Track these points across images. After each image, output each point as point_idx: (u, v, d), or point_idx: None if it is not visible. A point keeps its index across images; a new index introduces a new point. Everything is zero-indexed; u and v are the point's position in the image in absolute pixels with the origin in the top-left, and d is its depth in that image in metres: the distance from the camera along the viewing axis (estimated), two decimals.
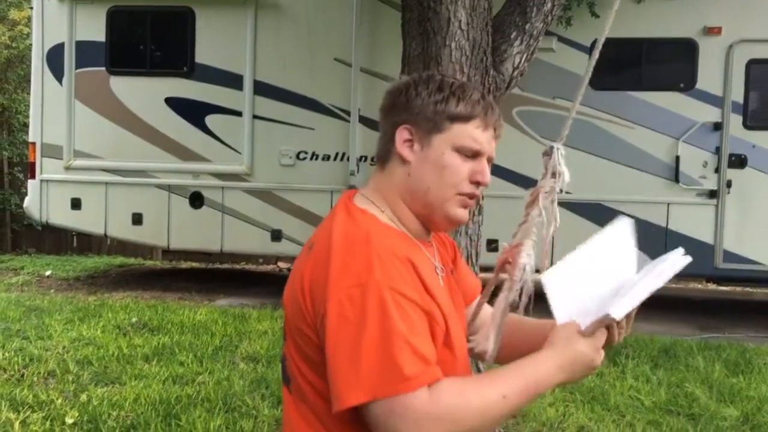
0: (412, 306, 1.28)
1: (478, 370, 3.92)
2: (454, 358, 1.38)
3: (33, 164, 8.34)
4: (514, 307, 1.43)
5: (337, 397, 1.25)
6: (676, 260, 1.48)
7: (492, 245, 7.21)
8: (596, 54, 1.56)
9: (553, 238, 1.47)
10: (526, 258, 1.42)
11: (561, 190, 1.47)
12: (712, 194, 7.23)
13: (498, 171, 7.34)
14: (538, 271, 1.44)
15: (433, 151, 1.43)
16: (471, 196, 1.45)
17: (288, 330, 1.42)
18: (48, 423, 3.92)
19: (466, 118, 1.43)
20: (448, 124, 1.42)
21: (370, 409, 1.23)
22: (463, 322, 1.55)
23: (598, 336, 1.37)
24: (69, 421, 3.93)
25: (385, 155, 1.48)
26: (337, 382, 1.25)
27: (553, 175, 1.46)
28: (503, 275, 1.46)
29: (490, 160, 1.48)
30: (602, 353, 1.38)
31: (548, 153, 1.48)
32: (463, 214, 1.46)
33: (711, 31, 7.19)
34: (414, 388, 1.22)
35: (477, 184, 1.45)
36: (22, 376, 4.70)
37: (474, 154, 1.44)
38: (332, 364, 1.26)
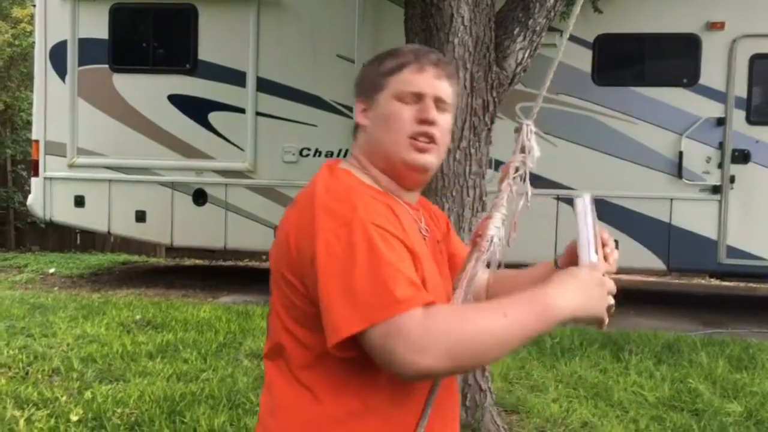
0: (396, 240, 1.33)
1: (482, 367, 3.92)
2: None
3: (36, 162, 8.35)
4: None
5: (333, 330, 1.27)
6: (581, 201, 1.52)
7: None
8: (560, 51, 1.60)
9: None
10: (494, 230, 1.46)
11: (531, 166, 1.51)
12: (716, 190, 7.22)
13: (500, 167, 7.33)
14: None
15: (379, 107, 1.50)
16: (421, 136, 1.47)
17: (274, 281, 1.46)
18: (53, 420, 3.93)
19: (398, 68, 1.49)
20: (386, 79, 1.49)
21: (368, 336, 1.26)
22: (447, 289, 1.53)
23: (597, 264, 1.44)
24: (74, 418, 3.94)
25: (354, 130, 1.57)
26: (332, 315, 1.28)
27: (523, 150, 1.50)
28: (474, 247, 1.50)
29: (440, 101, 1.49)
30: (609, 280, 1.43)
31: (518, 129, 1.53)
32: (420, 158, 1.47)
33: (714, 26, 7.18)
34: (408, 308, 1.24)
35: (423, 122, 1.46)
36: (27, 373, 4.71)
37: (415, 98, 1.47)
38: (326, 300, 1.29)
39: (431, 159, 1.49)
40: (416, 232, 1.48)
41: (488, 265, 1.48)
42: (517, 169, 1.50)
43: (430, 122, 1.47)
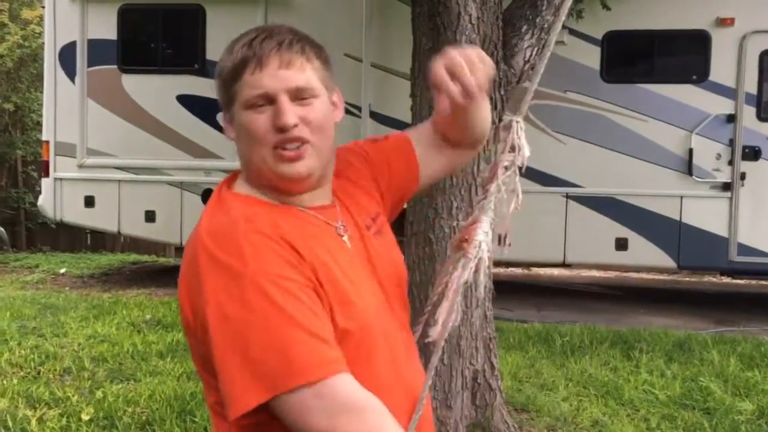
0: (298, 286, 1.18)
1: (492, 366, 3.92)
2: (349, 338, 1.24)
3: (46, 162, 8.39)
4: (468, 286, 1.33)
5: (234, 401, 1.14)
6: None
7: (504, 240, 7.21)
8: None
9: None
10: (483, 235, 1.33)
11: (521, 166, 1.38)
12: (726, 187, 7.18)
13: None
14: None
15: (236, 120, 1.30)
16: (285, 143, 1.27)
17: (186, 335, 1.32)
18: (64, 420, 3.95)
19: (237, 72, 1.27)
20: (230, 89, 1.29)
21: (277, 407, 1.14)
22: (391, 282, 1.40)
23: None
24: (85, 417, 3.96)
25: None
26: (231, 387, 1.15)
27: (513, 149, 1.38)
28: (458, 253, 1.35)
29: (298, 91, 1.27)
30: None
31: (507, 127, 1.39)
32: (292, 168, 1.27)
33: (724, 22, 7.13)
34: (315, 377, 1.13)
35: (281, 130, 1.26)
36: (39, 373, 4.73)
37: (267, 100, 1.26)
38: (223, 369, 1.16)
39: (306, 164, 1.29)
40: (329, 239, 1.31)
41: (476, 271, 1.33)
42: (506, 169, 1.37)
43: (289, 127, 1.26)
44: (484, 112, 1.49)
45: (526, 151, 1.38)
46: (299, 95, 1.28)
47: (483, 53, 1.29)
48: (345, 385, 1.16)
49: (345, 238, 1.34)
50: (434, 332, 1.31)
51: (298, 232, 1.26)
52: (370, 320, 1.29)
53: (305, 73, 1.28)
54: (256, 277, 1.16)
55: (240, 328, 1.15)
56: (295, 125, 1.26)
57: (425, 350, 1.40)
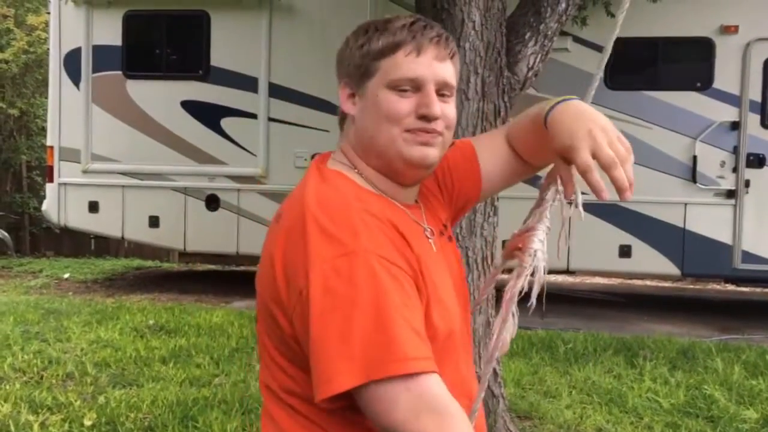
0: (404, 275, 1.15)
1: (495, 373, 3.91)
2: (436, 339, 1.20)
3: (51, 168, 8.41)
4: (523, 297, 1.28)
5: (326, 381, 1.09)
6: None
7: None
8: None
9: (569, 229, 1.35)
10: (538, 244, 1.28)
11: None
12: (730, 194, 7.17)
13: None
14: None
15: (369, 96, 1.27)
16: (423, 131, 1.26)
17: (260, 310, 1.27)
18: (66, 425, 3.95)
19: (391, 50, 1.26)
20: (376, 63, 1.26)
21: (363, 393, 1.08)
22: (460, 289, 1.39)
23: None
24: (87, 423, 3.96)
25: (340, 118, 1.36)
26: (326, 365, 1.09)
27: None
28: (512, 262, 1.32)
29: (444, 86, 1.28)
30: None
31: None
32: (422, 151, 1.26)
33: (728, 29, 7.14)
34: (413, 370, 1.08)
35: (425, 118, 1.25)
36: (41, 378, 4.73)
37: (413, 86, 1.25)
38: (318, 345, 1.10)
39: (435, 153, 1.28)
40: (421, 238, 1.29)
41: (530, 286, 1.27)
42: (563, 177, 1.30)
43: (433, 118, 1.26)
44: None
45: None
46: (443, 90, 1.28)
47: (622, 137, 1.23)
48: (436, 385, 1.11)
49: (431, 240, 1.33)
50: (491, 343, 1.28)
51: (403, 222, 1.24)
52: (455, 324, 1.28)
53: (452, 69, 1.30)
54: (367, 256, 1.12)
55: (344, 306, 1.10)
56: (437, 117, 1.26)
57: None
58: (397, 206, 1.29)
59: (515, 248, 1.31)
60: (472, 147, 1.49)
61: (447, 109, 1.28)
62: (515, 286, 1.27)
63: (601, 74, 1.41)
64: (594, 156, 1.19)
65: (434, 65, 1.27)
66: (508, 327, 1.28)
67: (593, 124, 1.22)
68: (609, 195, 1.19)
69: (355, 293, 1.10)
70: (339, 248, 1.13)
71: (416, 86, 1.26)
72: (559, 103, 1.32)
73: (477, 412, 1.28)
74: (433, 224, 1.37)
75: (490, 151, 1.49)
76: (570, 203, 1.29)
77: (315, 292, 1.11)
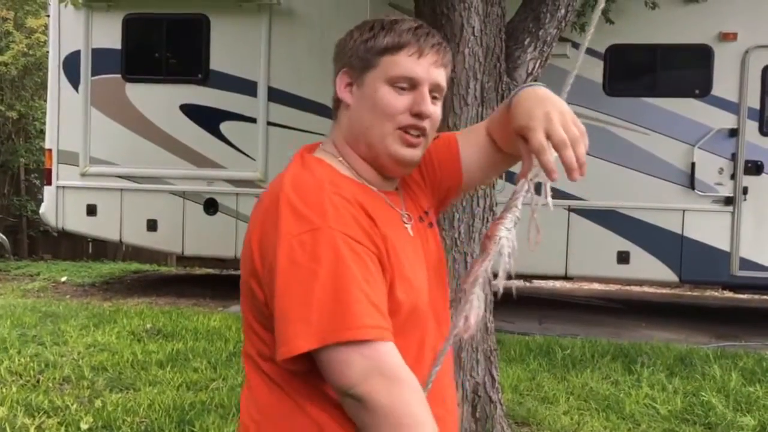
0: (366, 252, 1.24)
1: (492, 379, 3.91)
2: (399, 313, 1.30)
3: (49, 171, 8.41)
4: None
5: (284, 344, 1.20)
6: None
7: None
8: None
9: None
10: (504, 231, 1.34)
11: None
12: (728, 201, 7.18)
13: (511, 177, 7.32)
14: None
15: (368, 88, 1.37)
16: (413, 129, 1.36)
17: (242, 289, 1.37)
18: (63, 429, 3.94)
19: (395, 49, 1.36)
20: (378, 58, 1.37)
21: (321, 356, 1.19)
22: (438, 271, 1.47)
23: None
24: (84, 426, 3.95)
25: (335, 105, 1.45)
26: (285, 329, 1.21)
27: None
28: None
29: (437, 89, 1.39)
30: None
31: None
32: (408, 152, 1.37)
33: (726, 36, 7.15)
34: (366, 337, 1.18)
35: (418, 116, 1.36)
36: (38, 381, 4.72)
37: (410, 85, 1.36)
38: (281, 310, 1.22)
39: (418, 153, 1.40)
40: (396, 222, 1.39)
41: (495, 274, 1.34)
42: (534, 167, 1.36)
43: (425, 116, 1.36)
44: None
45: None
46: (435, 93, 1.39)
47: (578, 121, 1.32)
48: (390, 354, 1.21)
49: (408, 226, 1.42)
50: (459, 323, 1.35)
51: (374, 206, 1.34)
52: (421, 303, 1.36)
53: (444, 76, 1.41)
54: (331, 233, 1.22)
55: (305, 276, 1.20)
56: (429, 116, 1.37)
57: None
58: (374, 192, 1.39)
59: (486, 237, 1.38)
60: (455, 139, 1.58)
61: (435, 111, 1.39)
62: (478, 269, 1.34)
63: (575, 72, 1.46)
64: (547, 136, 1.27)
65: (431, 70, 1.37)
66: (473, 309, 1.34)
67: (551, 107, 1.31)
68: (558, 175, 1.27)
69: (317, 265, 1.20)
70: (306, 225, 1.23)
71: (413, 85, 1.36)
72: (525, 87, 1.41)
73: (430, 383, 1.34)
74: (412, 210, 1.46)
75: (471, 144, 1.57)
76: (539, 193, 1.35)
77: (281, 263, 1.22)
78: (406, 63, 1.36)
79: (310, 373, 1.25)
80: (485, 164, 1.58)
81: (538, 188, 1.35)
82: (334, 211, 1.24)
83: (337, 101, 1.44)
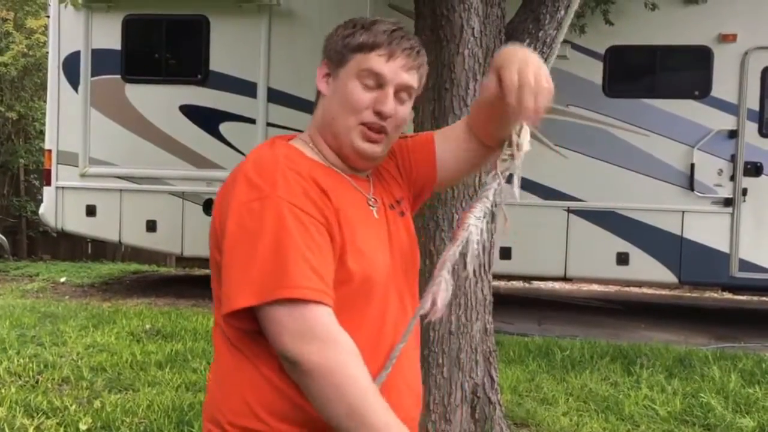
0: (312, 221, 1.31)
1: (492, 380, 3.91)
2: (350, 282, 1.36)
3: (49, 171, 8.40)
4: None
5: (227, 299, 1.29)
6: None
7: (505, 253, 7.21)
8: None
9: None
10: (474, 219, 1.42)
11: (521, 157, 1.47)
12: (728, 202, 7.18)
13: (511, 178, 7.32)
14: None
15: (340, 82, 1.45)
16: (373, 127, 1.43)
17: (211, 265, 1.46)
18: (62, 429, 3.93)
19: (368, 48, 1.43)
20: (352, 54, 1.44)
21: (261, 315, 1.27)
22: (406, 256, 1.53)
23: None
24: (83, 427, 3.95)
25: (316, 95, 1.53)
26: (228, 286, 1.30)
27: (510, 145, 1.47)
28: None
29: (405, 90, 1.45)
30: None
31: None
32: (367, 147, 1.44)
33: (726, 38, 7.15)
34: (299, 296, 1.25)
35: (379, 114, 1.42)
36: (37, 382, 4.72)
37: (376, 83, 1.43)
38: (226, 270, 1.31)
39: (379, 149, 1.46)
40: (360, 203, 1.46)
41: (465, 261, 1.42)
42: (504, 161, 1.47)
43: (386, 116, 1.43)
44: None
45: (526, 146, 1.47)
46: (401, 93, 1.45)
47: (550, 80, 1.37)
48: (324, 316, 1.27)
49: (374, 209, 1.49)
50: (425, 304, 1.39)
51: (332, 184, 1.40)
52: (376, 275, 1.41)
53: (413, 79, 1.47)
54: (278, 201, 1.30)
55: (250, 239, 1.29)
56: (389, 116, 1.43)
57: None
58: (340, 175, 1.46)
59: (457, 227, 1.46)
60: (432, 136, 1.66)
61: (400, 110, 1.46)
62: (447, 255, 1.40)
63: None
64: (518, 75, 1.33)
65: (399, 72, 1.44)
66: (440, 292, 1.39)
67: (530, 58, 1.36)
68: (535, 117, 1.36)
69: (261, 229, 1.29)
70: (256, 193, 1.32)
71: (379, 83, 1.43)
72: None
73: (394, 359, 1.40)
74: (381, 196, 1.53)
75: (449, 140, 1.64)
76: (509, 182, 1.44)
77: (230, 228, 1.32)
78: (375, 62, 1.42)
79: (260, 334, 1.31)
80: (462, 158, 1.63)
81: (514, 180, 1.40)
82: (284, 182, 1.32)
83: (318, 93, 1.52)
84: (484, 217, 1.43)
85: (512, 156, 1.46)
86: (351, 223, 1.38)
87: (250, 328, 1.31)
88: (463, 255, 1.41)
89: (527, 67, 1.33)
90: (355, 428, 1.24)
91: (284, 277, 1.25)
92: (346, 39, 1.46)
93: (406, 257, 1.53)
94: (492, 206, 1.44)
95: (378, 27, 1.45)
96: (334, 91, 1.46)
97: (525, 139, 1.48)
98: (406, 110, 1.47)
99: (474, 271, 3.86)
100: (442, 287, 1.40)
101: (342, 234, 1.35)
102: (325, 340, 1.25)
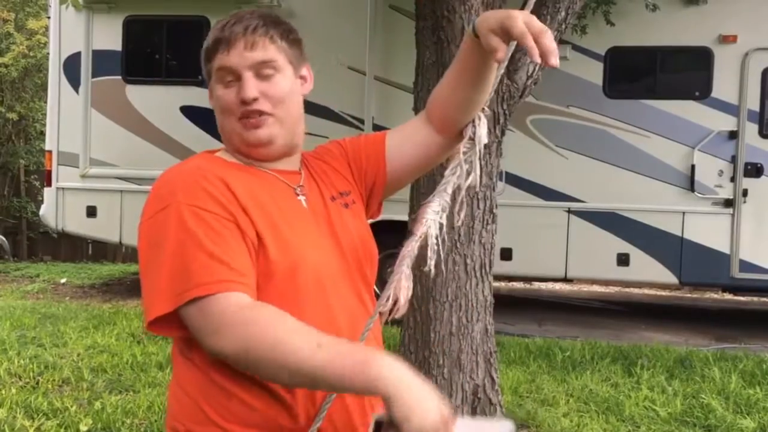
0: (215, 218, 1.31)
1: (492, 381, 3.90)
2: (276, 273, 1.34)
3: (49, 172, 8.40)
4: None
5: (145, 311, 1.30)
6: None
7: (506, 254, 7.21)
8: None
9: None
10: (432, 213, 1.42)
11: (480, 152, 1.48)
12: (728, 203, 7.18)
13: (511, 179, 7.32)
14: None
15: (212, 93, 1.48)
16: (248, 114, 1.43)
17: None
18: (62, 430, 3.94)
19: (212, 51, 1.44)
20: (208, 65, 1.46)
21: (182, 316, 1.27)
22: (348, 244, 1.49)
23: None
24: (83, 428, 3.95)
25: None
26: (144, 299, 1.31)
27: (471, 139, 1.49)
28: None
29: (263, 65, 1.42)
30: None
31: (470, 120, 1.53)
32: (255, 134, 1.44)
33: (726, 39, 7.15)
34: (203, 293, 1.25)
35: (244, 102, 1.42)
36: (37, 383, 4.72)
37: (234, 76, 1.43)
38: (143, 282, 1.33)
39: (268, 131, 1.44)
40: (284, 194, 1.45)
41: (423, 246, 1.40)
42: (464, 154, 1.47)
43: (250, 101, 1.41)
44: (493, 76, 1.56)
45: (484, 138, 1.48)
46: (260, 71, 1.42)
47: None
48: (229, 301, 1.25)
49: (302, 199, 1.48)
50: (385, 301, 1.37)
51: (245, 181, 1.40)
52: (306, 264, 1.38)
53: (267, 51, 1.43)
54: (178, 206, 1.31)
55: (157, 250, 1.31)
56: (255, 99, 1.41)
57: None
58: (262, 171, 1.46)
59: (415, 221, 1.44)
60: (383, 133, 1.66)
61: (269, 88, 1.43)
62: (405, 250, 1.39)
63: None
64: (527, 24, 1.31)
65: (245, 54, 1.42)
66: (402, 289, 1.37)
67: (519, 11, 1.35)
68: (557, 58, 1.31)
69: (164, 238, 1.30)
70: (159, 204, 1.34)
71: (237, 76, 1.42)
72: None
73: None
74: (317, 188, 1.52)
75: (401, 134, 1.65)
76: (469, 174, 1.44)
77: (141, 246, 1.36)
78: (220, 59, 1.43)
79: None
80: (413, 155, 1.62)
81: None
82: (183, 187, 1.34)
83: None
84: (442, 211, 1.43)
85: (471, 148, 1.47)
86: (267, 214, 1.37)
87: (183, 335, 1.32)
88: (423, 250, 1.40)
89: (529, 17, 1.34)
90: (312, 380, 1.20)
91: (189, 278, 1.26)
92: (202, 54, 1.48)
93: (358, 248, 1.50)
94: (450, 200, 1.44)
95: (215, 27, 1.46)
96: (214, 104, 1.48)
97: (483, 130, 1.49)
98: (277, 83, 1.44)
99: (474, 272, 3.86)
100: (403, 283, 1.37)
101: (254, 226, 1.34)
102: (239, 323, 1.23)
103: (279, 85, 1.45)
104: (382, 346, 1.57)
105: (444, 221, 1.42)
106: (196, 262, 1.27)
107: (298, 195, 1.47)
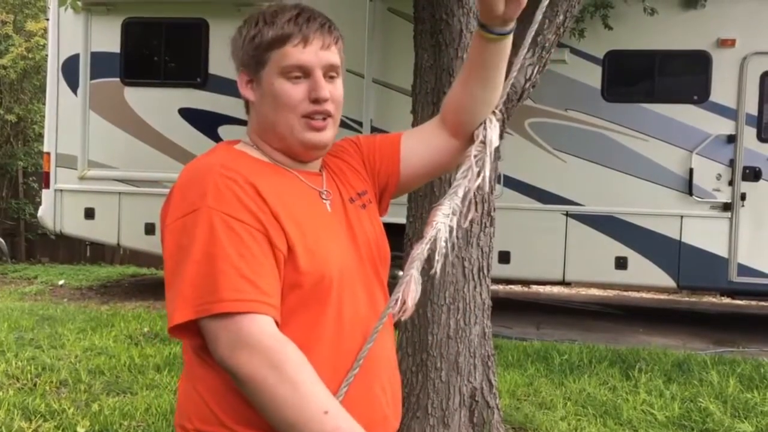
0: (246, 228, 1.29)
1: (490, 384, 3.90)
2: (304, 283, 1.35)
3: (47, 174, 8.39)
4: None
5: (168, 316, 1.30)
6: None
7: (504, 257, 7.21)
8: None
9: None
10: (441, 216, 1.42)
11: (492, 156, 1.49)
12: (726, 207, 7.18)
13: (510, 182, 7.33)
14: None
15: (265, 85, 1.43)
16: (316, 114, 1.42)
17: None
18: None
19: (280, 42, 1.40)
20: (267, 54, 1.42)
21: (201, 327, 1.28)
22: (365, 246, 1.50)
23: None
24: (80, 430, 3.94)
25: (245, 104, 1.52)
26: (168, 304, 1.31)
27: (483, 142, 1.50)
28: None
29: (331, 69, 1.43)
30: None
31: (482, 123, 1.53)
32: (316, 136, 1.42)
33: (725, 43, 7.16)
34: (228, 310, 1.25)
35: (316, 101, 1.41)
36: (35, 385, 4.71)
37: (303, 73, 1.41)
38: (167, 287, 1.32)
39: (329, 135, 1.45)
40: (310, 198, 1.44)
41: (430, 257, 1.40)
42: (475, 158, 1.47)
43: (324, 100, 1.41)
44: (502, 74, 1.56)
45: (495, 141, 1.48)
46: (329, 72, 1.43)
47: None
48: (256, 325, 1.26)
49: (327, 203, 1.47)
50: (394, 303, 1.38)
51: (274, 184, 1.38)
52: (332, 271, 1.38)
53: (336, 54, 1.45)
54: (209, 212, 1.29)
55: (184, 255, 1.29)
56: (326, 99, 1.41)
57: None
58: (287, 171, 1.45)
59: (426, 224, 1.44)
60: (399, 134, 1.66)
61: (334, 90, 1.44)
62: (415, 253, 1.39)
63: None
64: None
65: (320, 53, 1.41)
66: (410, 292, 1.38)
67: None
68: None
69: (192, 243, 1.29)
70: (188, 207, 1.31)
71: (306, 72, 1.41)
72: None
73: (361, 359, 1.37)
74: (338, 190, 1.51)
75: (416, 137, 1.66)
76: (479, 175, 1.45)
77: (168, 247, 1.33)
78: (294, 54, 1.40)
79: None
80: (427, 158, 1.62)
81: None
82: (214, 191, 1.31)
83: (245, 101, 1.50)
84: (453, 214, 1.43)
85: (482, 151, 1.47)
86: (297, 222, 1.36)
87: (198, 342, 1.32)
88: (431, 253, 1.40)
89: None
90: None
91: (215, 291, 1.25)
92: (254, 40, 1.43)
93: (373, 249, 1.51)
94: (461, 203, 1.44)
95: (281, 18, 1.42)
96: (263, 96, 1.44)
97: (494, 133, 1.49)
98: (339, 86, 1.46)
99: (472, 275, 3.86)
100: (412, 287, 1.38)
101: (286, 237, 1.33)
102: (258, 350, 1.24)
103: (340, 87, 1.46)
104: (394, 341, 1.58)
105: (454, 224, 1.43)
106: (222, 275, 1.26)
107: (324, 199, 1.47)
